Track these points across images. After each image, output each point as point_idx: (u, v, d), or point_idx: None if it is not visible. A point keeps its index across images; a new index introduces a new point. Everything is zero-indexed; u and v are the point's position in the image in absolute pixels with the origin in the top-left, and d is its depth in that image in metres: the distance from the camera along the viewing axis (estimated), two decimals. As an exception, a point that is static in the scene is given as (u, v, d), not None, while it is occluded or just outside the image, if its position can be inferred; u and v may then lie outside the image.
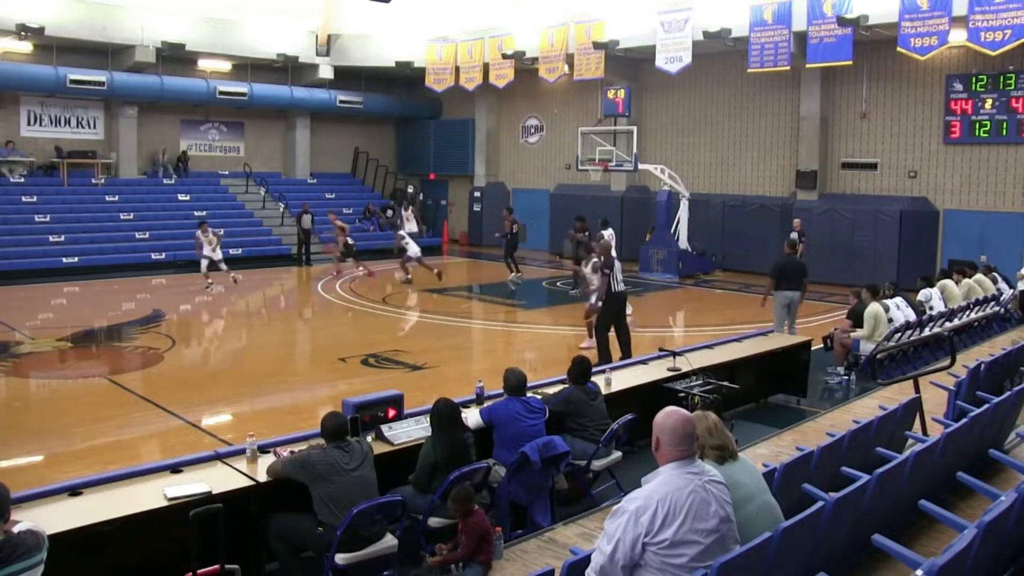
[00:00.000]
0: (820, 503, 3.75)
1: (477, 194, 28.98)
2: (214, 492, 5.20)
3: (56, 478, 5.71)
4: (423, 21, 26.34)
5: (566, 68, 23.67)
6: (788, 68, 19.45)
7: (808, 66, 19.30)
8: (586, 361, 7.26)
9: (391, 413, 6.40)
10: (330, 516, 5.14)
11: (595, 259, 12.17)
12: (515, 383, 6.62)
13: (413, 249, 19.38)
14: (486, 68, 25.55)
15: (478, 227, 28.54)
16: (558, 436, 6.42)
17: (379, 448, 6.01)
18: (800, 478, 4.50)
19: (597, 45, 22.39)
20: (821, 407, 9.09)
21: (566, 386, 7.20)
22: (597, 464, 6.71)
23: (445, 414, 5.89)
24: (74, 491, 5.27)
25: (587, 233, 17.71)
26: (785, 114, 21.56)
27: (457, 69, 26.30)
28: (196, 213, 23.52)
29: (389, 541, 5.31)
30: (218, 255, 18.53)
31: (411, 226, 23.03)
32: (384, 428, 6.24)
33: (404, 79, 28.64)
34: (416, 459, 5.85)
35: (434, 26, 26.48)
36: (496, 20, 25.13)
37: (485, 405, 6.81)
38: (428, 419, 6.03)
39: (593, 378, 7.33)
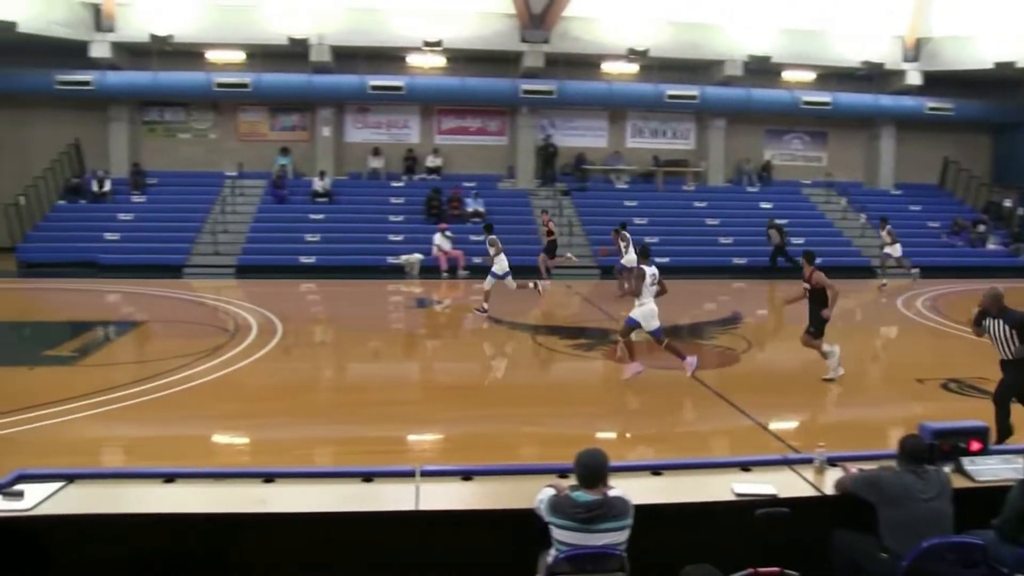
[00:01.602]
0: None
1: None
2: (780, 496, 5.32)
3: (639, 456, 6.34)
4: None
5: None
6: None
7: None
8: None
9: (975, 446, 5.89)
10: (896, 543, 4.90)
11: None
12: None
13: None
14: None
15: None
16: None
17: (958, 482, 5.57)
18: None
19: None
20: None
21: None
22: None
23: (1045, 457, 5.26)
24: (655, 471, 5.83)
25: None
26: None
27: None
28: (776, 221, 24.01)
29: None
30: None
31: (629, 256, 18.19)
32: (965, 461, 5.77)
33: (1003, 82, 25.73)
34: (1003, 502, 5.30)
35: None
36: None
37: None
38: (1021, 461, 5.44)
39: None
